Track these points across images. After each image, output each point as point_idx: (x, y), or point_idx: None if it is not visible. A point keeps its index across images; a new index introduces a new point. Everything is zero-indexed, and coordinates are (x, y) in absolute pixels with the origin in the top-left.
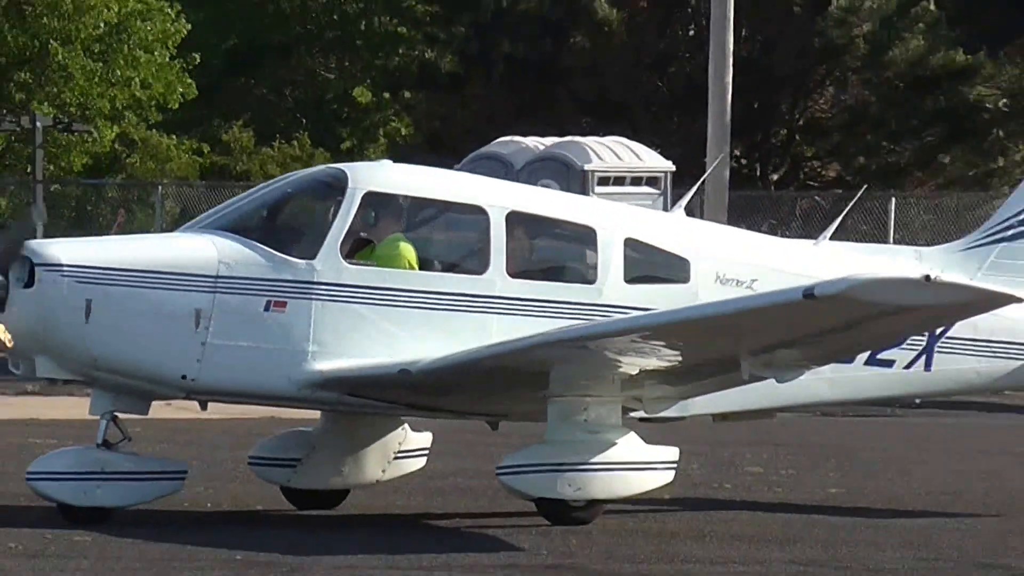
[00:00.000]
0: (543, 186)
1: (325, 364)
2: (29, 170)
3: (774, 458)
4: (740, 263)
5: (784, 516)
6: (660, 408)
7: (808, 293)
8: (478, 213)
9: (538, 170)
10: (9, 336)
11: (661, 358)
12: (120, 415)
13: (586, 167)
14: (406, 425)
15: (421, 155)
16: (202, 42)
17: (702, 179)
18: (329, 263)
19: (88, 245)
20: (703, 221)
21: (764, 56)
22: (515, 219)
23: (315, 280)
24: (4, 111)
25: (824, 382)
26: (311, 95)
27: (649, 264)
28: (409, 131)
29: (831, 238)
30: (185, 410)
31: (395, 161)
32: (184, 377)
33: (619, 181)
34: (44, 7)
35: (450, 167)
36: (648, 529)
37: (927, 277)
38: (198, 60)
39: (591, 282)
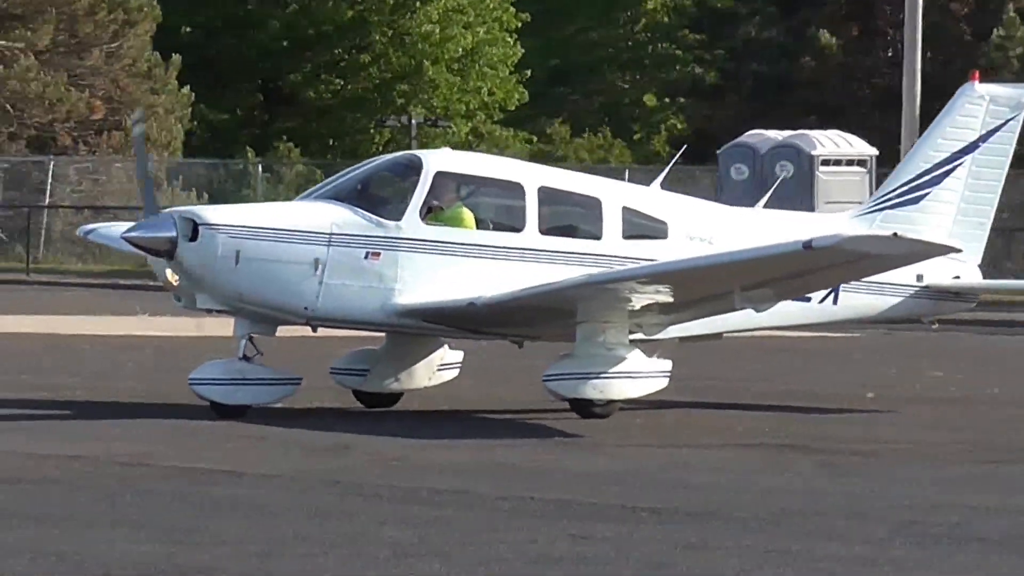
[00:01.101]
0: (781, 167)
1: (409, 299)
2: None
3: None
4: (703, 225)
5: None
6: (655, 332)
7: (807, 245)
8: (517, 187)
9: (777, 155)
10: (176, 278)
11: (674, 295)
12: (255, 336)
13: (813, 152)
14: (446, 344)
15: (691, 145)
16: (532, 62)
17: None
18: (411, 224)
19: (238, 210)
20: (676, 194)
21: (942, 70)
22: (544, 192)
23: (401, 236)
24: (390, 112)
25: (764, 313)
26: (611, 99)
27: (639, 225)
28: (683, 127)
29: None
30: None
31: (675, 150)
32: (306, 308)
33: (837, 163)
34: (419, 37)
35: (713, 153)
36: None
37: (895, 234)
38: (529, 74)
39: (598, 238)
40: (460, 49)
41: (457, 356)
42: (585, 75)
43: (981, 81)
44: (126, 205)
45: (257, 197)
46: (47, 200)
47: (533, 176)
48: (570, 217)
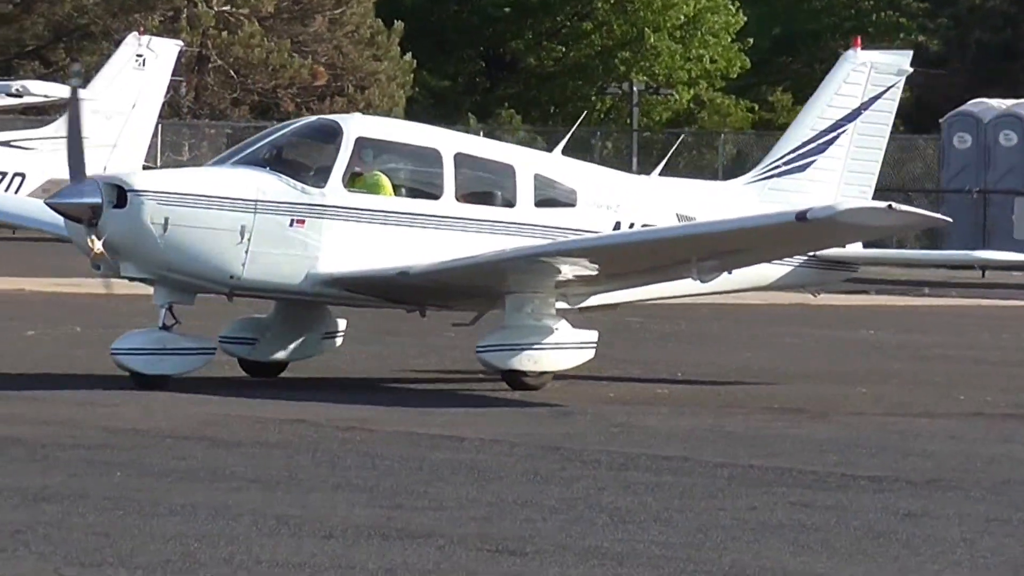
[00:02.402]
0: (1004, 136)
1: (334, 267)
2: (628, 122)
3: None
4: (609, 193)
5: None
6: (578, 302)
7: (801, 216)
8: (434, 153)
9: (1001, 124)
10: (99, 245)
11: (630, 265)
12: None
13: None
14: (330, 312)
15: (913, 114)
16: (754, 30)
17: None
18: (335, 190)
19: (165, 175)
20: (582, 162)
21: None
22: (459, 158)
23: (326, 203)
24: (611, 80)
25: (677, 283)
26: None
27: (550, 193)
28: (906, 95)
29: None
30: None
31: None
32: (232, 277)
33: None
34: (641, 4)
35: (935, 122)
36: None
37: (890, 205)
38: (751, 43)
39: (512, 206)
40: (682, 16)
41: (341, 324)
42: (808, 43)
43: (863, 48)
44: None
45: None
46: None
47: (449, 142)
48: (485, 184)
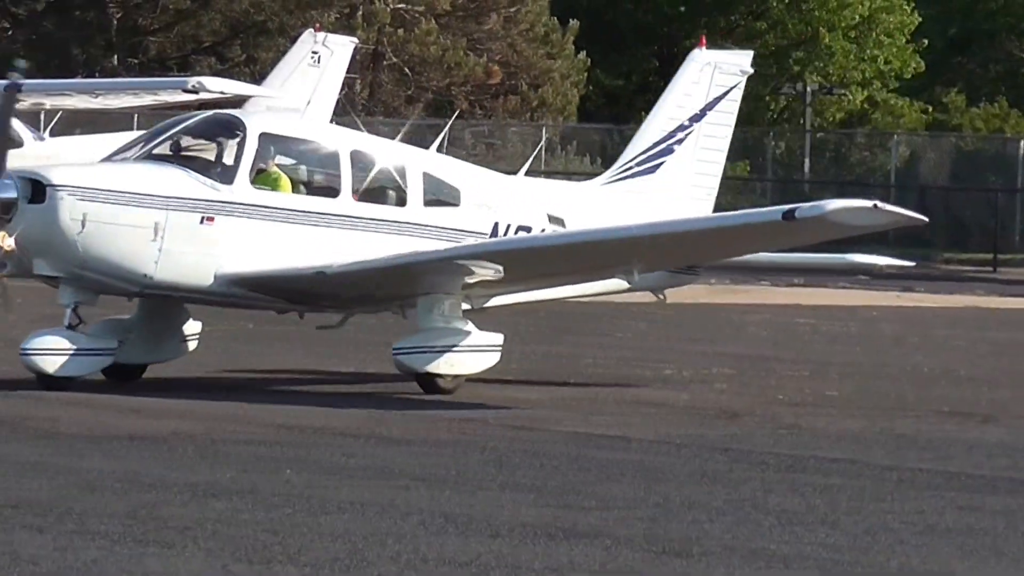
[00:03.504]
0: None
1: (244, 267)
2: (800, 122)
3: None
4: (487, 192)
5: None
6: (480, 303)
7: (788, 215)
8: (332, 151)
9: None
10: (11, 242)
11: (577, 266)
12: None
13: None
14: (189, 314)
15: None
16: (929, 30)
17: (447, 128)
18: (242, 187)
19: (83, 171)
20: (460, 160)
21: None
22: (355, 156)
23: (235, 201)
24: (785, 79)
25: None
26: (1010, 68)
27: (437, 192)
28: None
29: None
30: None
31: None
32: (146, 276)
33: None
34: (816, 4)
35: None
36: None
37: (875, 205)
38: (926, 43)
39: (404, 204)
40: (857, 16)
41: (197, 327)
42: (983, 43)
43: (707, 48)
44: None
45: None
46: None
47: (345, 140)
48: (379, 183)
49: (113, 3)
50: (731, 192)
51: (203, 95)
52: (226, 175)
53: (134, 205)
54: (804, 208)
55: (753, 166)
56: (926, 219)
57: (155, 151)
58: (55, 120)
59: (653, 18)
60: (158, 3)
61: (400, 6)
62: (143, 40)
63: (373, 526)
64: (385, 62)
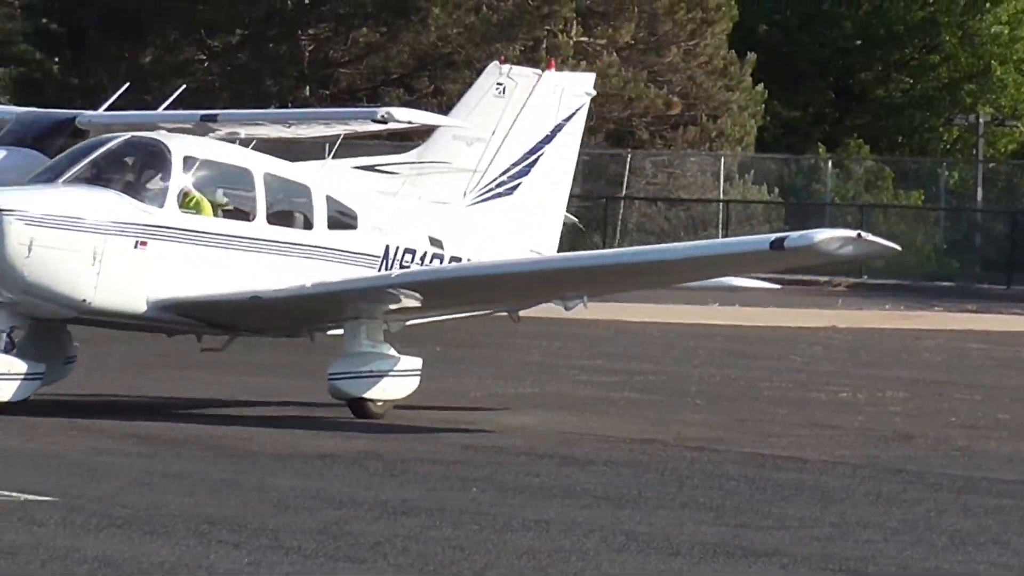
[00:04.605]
0: None
1: (174, 291)
2: (973, 152)
3: None
4: (379, 215)
5: None
6: (396, 327)
7: (777, 244)
8: (247, 174)
9: None
10: None
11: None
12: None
13: None
14: (71, 337)
15: None
16: None
17: (336, 144)
18: (172, 211)
19: (29, 194)
20: (360, 179)
21: None
22: (268, 178)
23: (165, 224)
24: (957, 111)
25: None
26: None
27: (338, 215)
28: None
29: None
30: None
31: None
32: (84, 301)
33: None
34: (988, 38)
35: None
36: None
37: (859, 234)
38: None
39: (311, 228)
40: None
41: (74, 350)
42: None
43: (556, 70)
44: (700, 198)
45: (826, 192)
46: (623, 192)
47: (259, 162)
48: (288, 205)
49: (305, 37)
50: (905, 221)
51: (391, 125)
52: (156, 199)
53: (76, 229)
54: (793, 237)
55: (927, 196)
56: (899, 248)
57: (82, 174)
58: (249, 149)
59: (829, 52)
60: (348, 36)
61: (583, 39)
62: (334, 72)
63: (557, 543)
64: None
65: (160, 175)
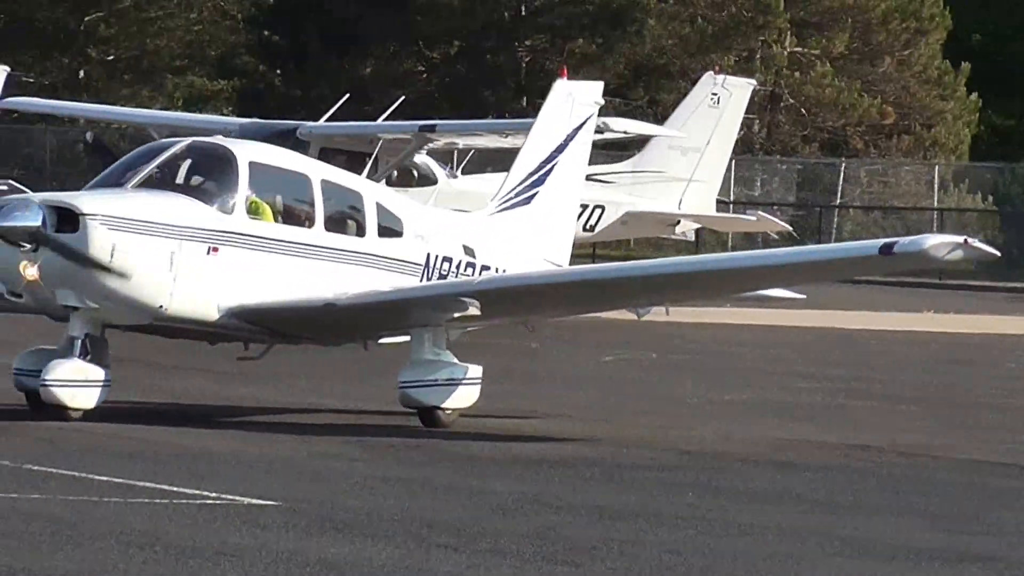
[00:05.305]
0: None
1: (244, 298)
2: None
3: None
4: (421, 223)
5: None
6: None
7: (887, 250)
8: (306, 180)
9: None
10: (33, 271)
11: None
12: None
13: None
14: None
15: None
16: None
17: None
18: (240, 217)
19: (110, 199)
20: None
21: None
22: (324, 185)
23: (236, 231)
24: None
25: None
26: None
27: (387, 222)
28: None
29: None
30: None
31: None
32: (161, 307)
33: None
34: None
35: None
36: None
37: (966, 240)
38: None
39: (363, 235)
40: None
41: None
42: None
43: (569, 78)
44: (914, 207)
45: None
46: (837, 200)
47: (315, 168)
48: (343, 212)
49: (522, 48)
50: None
51: (607, 135)
52: (225, 204)
53: (155, 234)
54: (903, 243)
55: None
56: (999, 253)
57: (149, 178)
58: (467, 159)
59: None
60: (565, 47)
61: (797, 49)
62: (551, 83)
63: (772, 548)
64: (782, 103)
65: (228, 180)
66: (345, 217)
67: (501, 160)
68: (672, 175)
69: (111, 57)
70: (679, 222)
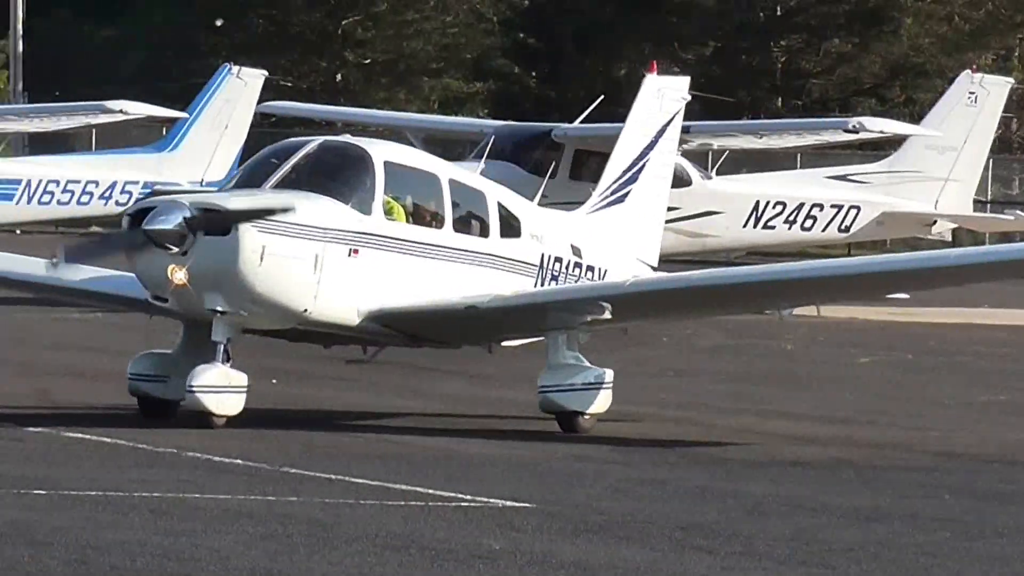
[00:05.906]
0: None
1: (384, 301)
2: None
3: None
4: (536, 223)
5: None
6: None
7: None
8: (435, 180)
9: None
10: (181, 275)
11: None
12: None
13: None
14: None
15: None
16: None
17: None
18: (378, 218)
19: (255, 198)
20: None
21: None
22: (452, 184)
23: (374, 232)
24: None
25: None
26: None
27: (507, 222)
28: None
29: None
30: None
31: None
32: (305, 311)
33: None
34: None
35: None
36: None
37: None
38: None
39: (487, 236)
40: None
41: None
42: None
43: (658, 74)
44: None
45: None
46: None
47: (443, 168)
48: (469, 212)
49: (777, 48)
50: None
51: (863, 135)
52: (364, 205)
53: (301, 237)
54: None
55: None
56: None
57: (287, 179)
58: (721, 160)
59: None
60: (820, 47)
61: None
62: (806, 83)
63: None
64: None
65: (365, 181)
66: (471, 217)
67: (756, 161)
68: (929, 175)
69: (368, 60)
70: (936, 222)
